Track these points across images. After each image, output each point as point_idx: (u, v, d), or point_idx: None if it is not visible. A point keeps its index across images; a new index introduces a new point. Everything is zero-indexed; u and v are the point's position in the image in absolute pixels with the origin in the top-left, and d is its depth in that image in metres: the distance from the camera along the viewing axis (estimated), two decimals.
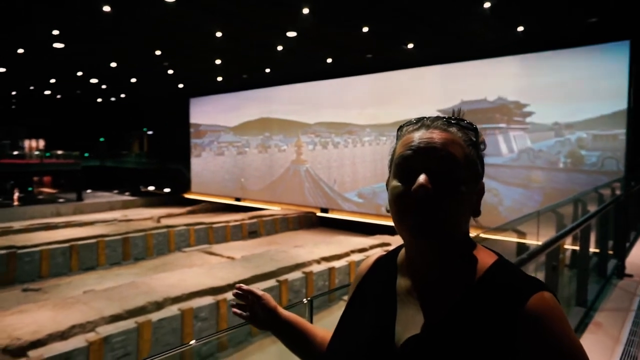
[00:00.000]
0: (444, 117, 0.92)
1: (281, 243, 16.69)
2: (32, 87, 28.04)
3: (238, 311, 1.21)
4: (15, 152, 33.52)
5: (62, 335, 6.56)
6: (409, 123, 0.95)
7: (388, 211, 0.95)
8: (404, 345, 0.85)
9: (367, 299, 1.02)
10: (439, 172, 0.84)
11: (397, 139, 0.97)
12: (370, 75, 19.40)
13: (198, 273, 9.84)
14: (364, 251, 12.58)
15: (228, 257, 14.11)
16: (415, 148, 0.87)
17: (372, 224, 18.93)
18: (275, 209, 22.28)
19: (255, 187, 25.24)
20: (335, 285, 11.04)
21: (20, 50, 17.14)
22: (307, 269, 10.61)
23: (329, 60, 18.18)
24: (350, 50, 16.51)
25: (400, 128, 0.97)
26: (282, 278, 9.85)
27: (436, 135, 0.88)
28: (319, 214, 21.69)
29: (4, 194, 30.65)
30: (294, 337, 1.22)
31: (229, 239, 17.46)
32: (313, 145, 22.19)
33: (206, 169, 28.60)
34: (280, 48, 16.03)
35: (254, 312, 1.21)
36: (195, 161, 29.45)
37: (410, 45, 15.36)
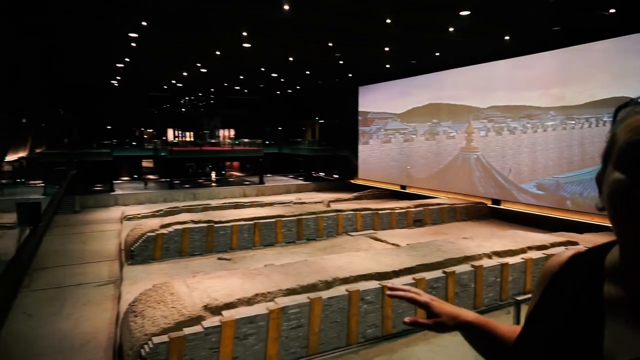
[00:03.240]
0: None
1: (448, 233, 16.05)
2: (225, 84, 32.38)
3: (421, 320, 1.12)
4: (213, 140, 39.41)
5: (248, 301, 7.41)
6: (633, 102, 0.76)
7: (601, 209, 0.77)
8: None
9: (562, 300, 0.87)
10: None
11: (615, 124, 0.79)
12: (557, 51, 17.10)
13: (364, 257, 10.07)
14: (543, 249, 11.25)
15: (393, 244, 14.16)
16: None
17: (553, 219, 16.88)
18: (442, 198, 21.54)
19: (421, 175, 24.79)
20: (508, 283, 10.15)
21: (217, 53, 19.85)
22: (476, 263, 9.95)
23: (507, 38, 16.59)
24: (533, 23, 14.78)
25: (619, 109, 0.79)
26: (449, 270, 9.43)
27: None
28: (490, 205, 20.21)
29: (204, 175, 36.35)
30: (481, 337, 1.12)
31: (394, 226, 17.51)
32: (485, 131, 20.69)
33: (373, 156, 29.18)
34: (451, 29, 15.23)
35: (433, 316, 1.13)
36: (362, 148, 30.30)
37: (612, 11, 12.99)
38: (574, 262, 0.93)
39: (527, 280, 10.44)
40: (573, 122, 16.85)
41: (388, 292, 1.20)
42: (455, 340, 7.74)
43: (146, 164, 38.40)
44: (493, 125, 20.28)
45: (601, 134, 15.81)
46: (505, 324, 1.13)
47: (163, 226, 13.61)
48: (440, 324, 1.11)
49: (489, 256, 10.44)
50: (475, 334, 1.12)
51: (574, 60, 16.68)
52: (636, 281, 0.76)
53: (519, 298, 6.80)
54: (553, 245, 11.52)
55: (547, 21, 14.41)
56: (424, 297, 1.15)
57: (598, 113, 15.93)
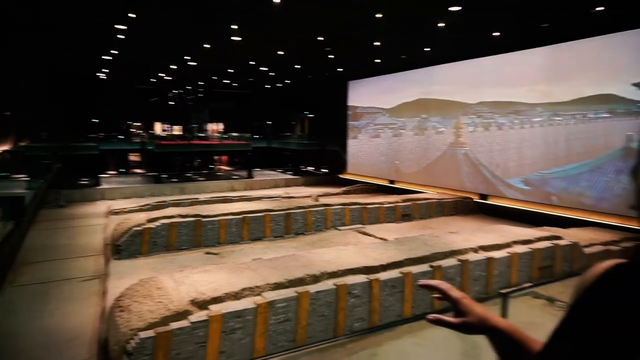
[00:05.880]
0: None
1: (435, 228, 16.18)
2: (214, 77, 32.09)
3: (446, 318, 1.08)
4: (201, 134, 39.11)
5: (236, 296, 7.40)
6: None
7: (634, 207, 0.72)
8: None
9: (597, 315, 0.80)
10: None
11: None
12: (546, 48, 17.25)
13: (352, 251, 10.10)
14: (528, 243, 11.40)
15: (381, 238, 14.23)
16: None
17: (539, 214, 17.10)
18: (430, 193, 21.68)
19: (409, 170, 24.91)
20: (494, 277, 10.27)
21: (207, 46, 19.65)
22: (462, 257, 10.05)
23: (496, 34, 16.68)
24: (523, 20, 14.87)
25: None
26: (435, 264, 9.51)
27: None
28: (477, 200, 20.40)
29: (192, 169, 36.07)
30: (509, 346, 1.05)
31: (382, 220, 17.59)
32: (474, 127, 20.84)
33: (362, 150, 29.22)
34: (441, 24, 15.27)
35: (459, 316, 1.09)
36: (351, 143, 30.33)
37: (600, 8, 13.12)
38: (613, 274, 0.84)
39: (512, 274, 10.57)
40: (559, 118, 17.05)
41: (420, 283, 1.17)
42: (440, 334, 7.82)
43: (133, 157, 37.97)
44: (481, 120, 20.44)
45: (587, 130, 16.07)
46: (536, 339, 1.07)
47: (150, 220, 13.49)
48: (467, 325, 1.06)
49: (475, 250, 10.55)
50: (504, 342, 1.05)
51: (561, 57, 16.85)
52: None
53: (504, 291, 6.88)
54: (538, 239, 11.67)
55: (535, 17, 14.51)
56: (455, 293, 1.11)
57: (584, 110, 16.14)
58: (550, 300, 9.49)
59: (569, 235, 12.27)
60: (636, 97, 14.16)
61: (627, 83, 14.34)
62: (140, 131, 38.59)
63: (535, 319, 8.44)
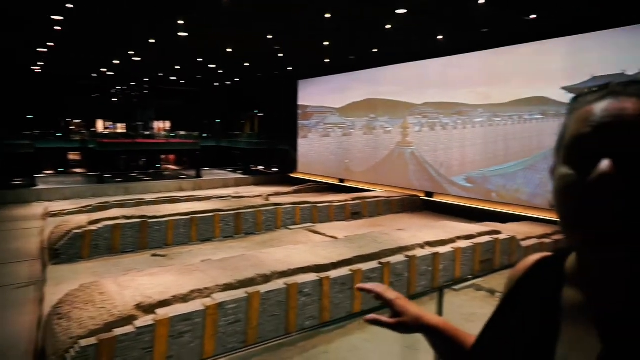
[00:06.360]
0: None
1: (384, 225, 16.56)
2: (160, 74, 31.08)
3: (382, 318, 1.12)
4: (147, 133, 37.74)
5: (184, 298, 7.23)
6: (588, 92, 0.72)
7: (553, 206, 0.75)
8: None
9: (523, 306, 0.85)
10: (634, 159, 0.61)
11: (569, 113, 0.75)
12: (485, 52, 18.11)
13: (303, 250, 10.15)
14: (471, 238, 11.94)
15: (331, 237, 14.38)
16: (597, 124, 0.65)
17: (480, 210, 17.94)
18: (378, 191, 22.15)
19: (359, 169, 25.32)
20: (439, 271, 10.68)
21: (152, 41, 19.00)
22: (410, 253, 10.37)
23: (440, 37, 17.31)
24: (464, 25, 15.53)
25: (575, 99, 0.75)
26: (384, 260, 9.75)
27: (630, 106, 0.64)
28: (424, 197, 21.09)
29: (137, 169, 34.75)
30: (444, 343, 1.10)
31: (332, 218, 17.77)
32: (420, 127, 21.51)
33: (312, 149, 29.36)
34: (388, 27, 15.64)
35: (395, 316, 1.13)
36: (302, 142, 30.39)
37: (533, 16, 13.95)
38: (539, 267, 0.89)
39: (456, 268, 11.04)
40: (498, 119, 17.97)
41: (357, 287, 1.20)
42: (386, 329, 8.05)
43: (73, 156, 36.03)
44: (427, 121, 21.14)
45: (523, 131, 17.04)
46: (470, 334, 1.11)
47: (92, 222, 12.88)
48: (402, 324, 1.09)
49: (421, 246, 10.90)
50: (439, 339, 1.10)
51: (500, 60, 17.78)
52: (588, 283, 0.73)
53: (444, 285, 7.21)
54: (480, 234, 12.24)
55: (476, 23, 15.20)
56: (390, 294, 1.14)
57: (520, 111, 17.12)
58: (491, 291, 10.01)
59: (508, 230, 12.97)
60: (565, 99, 15.21)
61: (557, 87, 15.35)
62: (81, 129, 36.69)
63: (477, 310, 8.89)
